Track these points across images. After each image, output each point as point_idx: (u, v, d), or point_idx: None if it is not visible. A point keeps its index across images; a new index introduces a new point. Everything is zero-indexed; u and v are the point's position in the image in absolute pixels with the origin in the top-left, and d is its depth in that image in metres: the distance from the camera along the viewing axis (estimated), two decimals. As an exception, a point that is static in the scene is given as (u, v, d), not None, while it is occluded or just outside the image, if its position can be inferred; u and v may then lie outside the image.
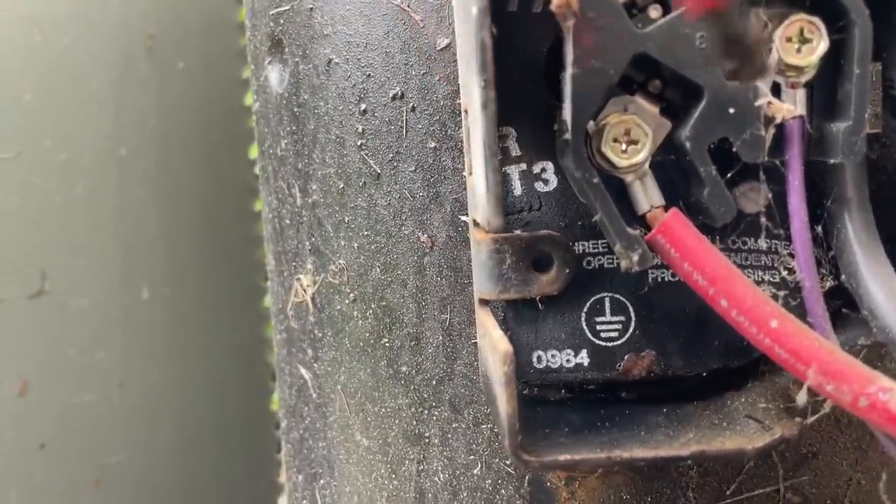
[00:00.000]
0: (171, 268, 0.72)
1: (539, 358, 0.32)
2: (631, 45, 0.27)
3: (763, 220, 0.29)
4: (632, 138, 0.28)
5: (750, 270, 0.31)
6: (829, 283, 0.29)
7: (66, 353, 0.68)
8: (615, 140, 0.28)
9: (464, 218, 0.35)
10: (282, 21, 0.40)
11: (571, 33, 0.27)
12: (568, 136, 0.27)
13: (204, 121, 0.73)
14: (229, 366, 0.75)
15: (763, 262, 0.31)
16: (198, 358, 0.73)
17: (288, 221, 0.43)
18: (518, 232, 0.32)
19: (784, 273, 0.30)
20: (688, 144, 0.27)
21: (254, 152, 0.58)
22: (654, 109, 0.29)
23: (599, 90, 0.27)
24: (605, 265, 0.32)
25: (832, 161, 0.28)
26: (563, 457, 0.28)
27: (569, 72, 0.27)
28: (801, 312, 0.29)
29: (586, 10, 0.26)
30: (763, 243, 0.31)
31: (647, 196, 0.29)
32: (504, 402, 0.27)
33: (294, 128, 0.40)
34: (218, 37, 0.76)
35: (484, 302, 0.32)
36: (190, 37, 0.73)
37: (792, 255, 0.29)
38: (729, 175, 0.28)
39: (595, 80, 0.27)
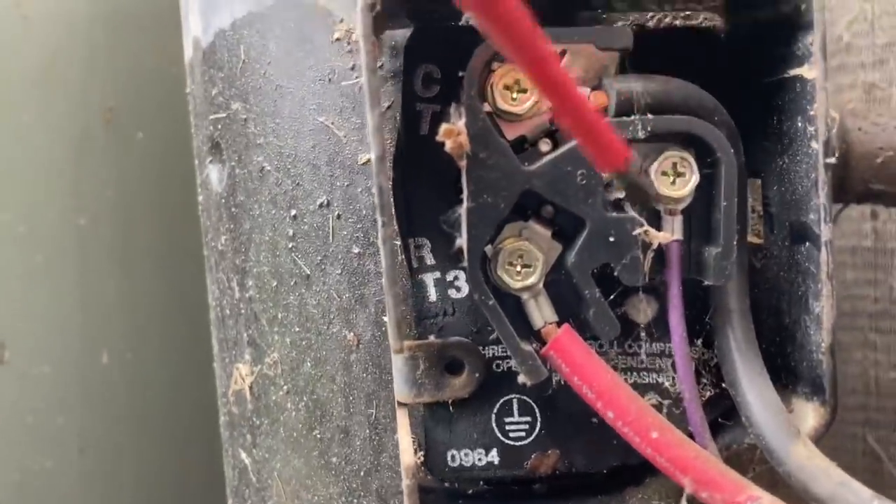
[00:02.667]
0: (130, 333, 0.73)
1: (453, 457, 0.35)
2: (519, 182, 0.29)
3: (647, 331, 0.32)
4: (525, 262, 0.31)
5: (645, 373, 0.34)
6: (709, 393, 0.31)
7: (25, 419, 0.69)
8: (510, 264, 0.31)
9: (386, 319, 0.38)
10: (219, 127, 0.42)
11: (465, 171, 0.29)
12: (465, 262, 0.30)
13: (163, 190, 0.75)
14: (189, 430, 0.76)
15: (655, 366, 0.33)
16: (158, 422, 0.75)
17: (228, 312, 0.45)
18: (432, 338, 0.34)
19: (667, 381, 0.32)
20: (573, 270, 0.30)
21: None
22: (546, 233, 0.31)
23: (492, 222, 0.30)
24: (514, 368, 0.34)
25: (706, 283, 0.30)
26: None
27: (464, 205, 0.29)
28: (683, 420, 0.31)
29: (477, 151, 0.29)
30: (652, 349, 0.33)
31: (541, 313, 0.31)
32: (407, 512, 0.29)
33: (232, 226, 0.43)
34: (177, 108, 0.78)
35: (402, 404, 0.34)
36: (149, 108, 0.75)
37: (675, 367, 0.32)
38: (612, 297, 0.31)
39: (488, 213, 0.29)
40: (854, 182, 0.45)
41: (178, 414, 0.75)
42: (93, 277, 0.71)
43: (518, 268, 0.31)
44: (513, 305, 0.31)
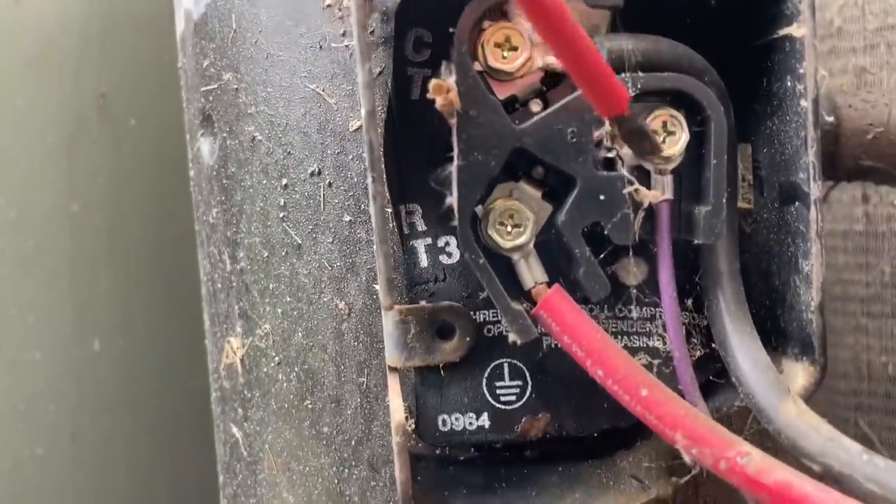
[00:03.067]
0: (122, 321, 0.73)
1: (444, 421, 0.35)
2: (510, 140, 0.29)
3: (637, 293, 0.32)
4: (515, 222, 0.31)
5: (635, 337, 0.34)
6: (699, 353, 0.31)
7: (16, 406, 0.68)
8: (500, 223, 0.31)
9: (377, 287, 0.37)
10: (211, 98, 0.42)
11: (455, 129, 0.29)
12: (455, 221, 0.30)
13: (155, 177, 0.75)
14: (181, 417, 0.76)
15: (645, 329, 0.33)
16: (150, 409, 0.74)
17: (219, 285, 0.45)
18: (423, 303, 0.34)
19: (657, 343, 0.32)
20: (563, 228, 0.30)
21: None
22: (536, 194, 0.31)
23: (483, 180, 0.30)
24: (504, 333, 0.34)
25: (695, 241, 0.30)
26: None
27: (454, 163, 0.29)
28: (673, 379, 0.31)
29: (468, 109, 0.29)
30: (642, 313, 0.33)
31: (532, 273, 0.31)
32: (397, 470, 0.29)
33: (223, 198, 0.43)
34: (170, 94, 0.78)
35: (393, 369, 0.34)
36: (142, 95, 0.75)
37: (665, 326, 0.32)
38: (602, 255, 0.31)
39: (478, 171, 0.29)
40: (845, 159, 0.45)
41: (169, 400, 0.75)
42: (84, 264, 0.71)
43: (508, 227, 0.31)
44: (503, 265, 0.31)
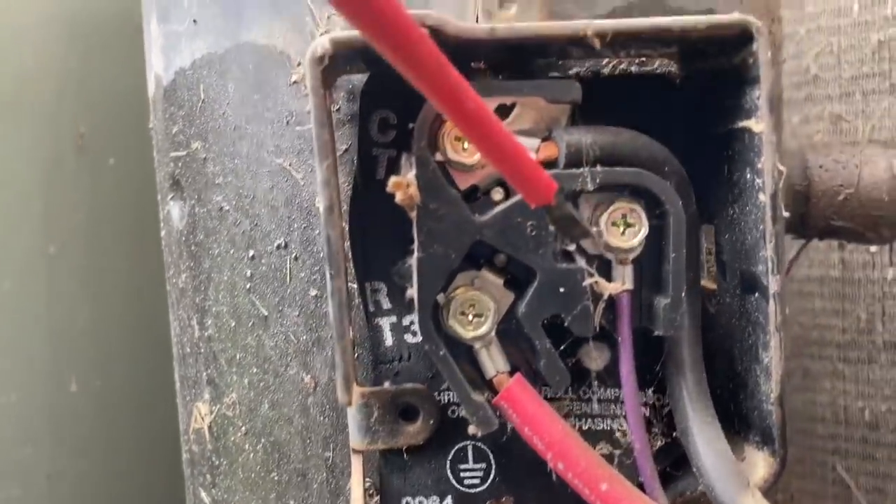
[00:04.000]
0: (99, 361, 0.72)
1: (408, 503, 0.34)
2: (470, 232, 0.29)
3: (596, 381, 0.32)
4: (477, 311, 0.31)
5: (599, 419, 0.34)
6: (660, 442, 0.31)
7: (-9, 449, 0.68)
8: (462, 313, 0.31)
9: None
10: (180, 164, 0.42)
11: (415, 222, 0.29)
12: (416, 313, 0.30)
13: (134, 217, 0.75)
14: (157, 459, 0.75)
15: (609, 412, 0.33)
16: (127, 450, 0.74)
17: (188, 350, 0.44)
18: (386, 384, 0.34)
19: (619, 433, 0.32)
20: (524, 320, 0.30)
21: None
22: (498, 282, 0.31)
23: (443, 272, 0.30)
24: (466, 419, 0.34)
25: (655, 333, 0.30)
26: None
27: (414, 255, 0.29)
28: (635, 471, 0.31)
29: (428, 202, 0.29)
30: (606, 395, 0.33)
31: (493, 362, 0.31)
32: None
33: (192, 264, 0.43)
34: (149, 135, 0.78)
35: (356, 451, 0.34)
36: (121, 134, 0.75)
37: (626, 417, 0.32)
38: (563, 347, 0.31)
39: (439, 263, 0.29)
40: (815, 219, 0.46)
41: (145, 442, 0.74)
42: (62, 305, 0.70)
43: (470, 317, 0.31)
44: (465, 353, 0.31)
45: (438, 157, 0.30)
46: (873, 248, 0.65)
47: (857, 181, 0.47)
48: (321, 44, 0.29)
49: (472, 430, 0.30)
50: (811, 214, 0.46)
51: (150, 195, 0.78)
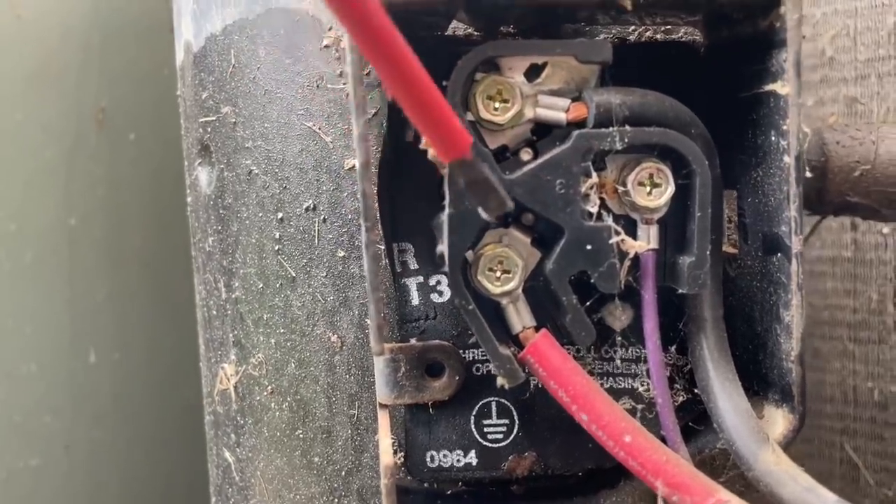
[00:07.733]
0: (118, 332, 0.74)
1: (432, 457, 0.35)
2: (500, 189, 0.30)
3: (623, 337, 0.32)
4: (505, 268, 0.31)
5: (621, 378, 0.35)
6: (682, 398, 0.32)
7: (11, 418, 0.69)
8: (490, 269, 0.31)
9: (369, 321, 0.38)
10: (209, 129, 0.43)
11: (447, 179, 0.30)
12: (446, 267, 0.30)
13: (154, 190, 0.76)
14: (175, 430, 0.76)
15: (630, 371, 0.34)
16: (144, 421, 0.75)
17: (214, 312, 0.45)
18: (413, 341, 0.35)
19: (642, 388, 0.33)
20: (551, 277, 0.31)
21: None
22: (526, 240, 0.32)
23: (473, 228, 0.30)
24: (493, 372, 0.35)
25: (679, 291, 0.31)
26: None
27: (445, 211, 0.30)
28: (656, 425, 0.32)
29: (459, 159, 0.30)
30: (628, 355, 0.34)
31: (520, 318, 0.32)
32: (385, 511, 0.29)
33: (219, 227, 0.43)
34: (170, 109, 0.78)
35: (383, 406, 0.35)
36: (142, 109, 0.76)
37: (649, 373, 0.32)
38: (589, 303, 0.31)
39: (468, 219, 0.30)
40: (831, 194, 0.46)
41: (164, 413, 0.75)
42: (82, 277, 0.71)
43: (498, 273, 0.31)
44: (492, 310, 0.32)
45: (469, 116, 0.31)
46: (886, 230, 0.65)
47: (873, 157, 0.47)
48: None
49: (499, 382, 0.31)
50: (827, 189, 0.46)
51: (170, 169, 0.79)
